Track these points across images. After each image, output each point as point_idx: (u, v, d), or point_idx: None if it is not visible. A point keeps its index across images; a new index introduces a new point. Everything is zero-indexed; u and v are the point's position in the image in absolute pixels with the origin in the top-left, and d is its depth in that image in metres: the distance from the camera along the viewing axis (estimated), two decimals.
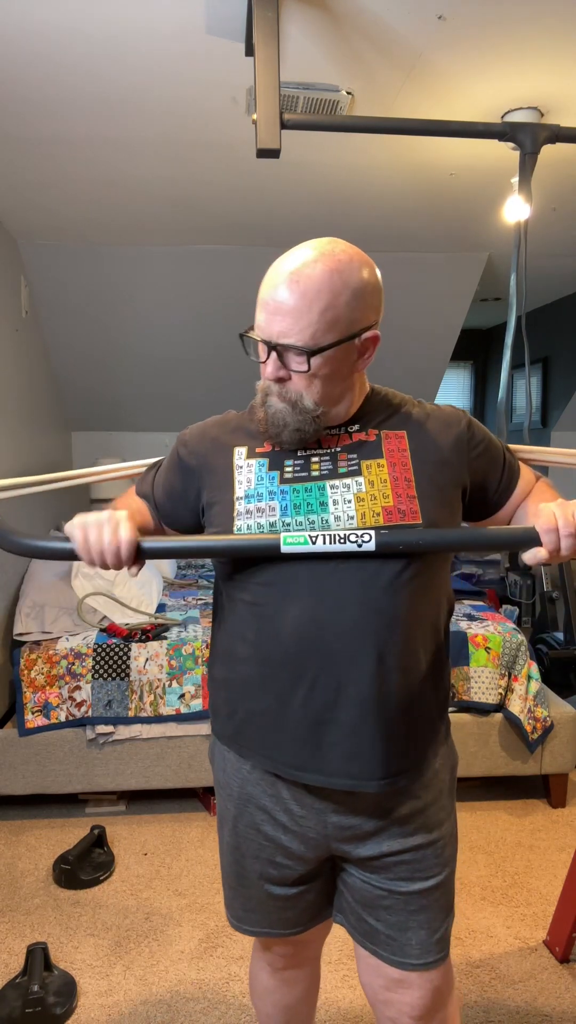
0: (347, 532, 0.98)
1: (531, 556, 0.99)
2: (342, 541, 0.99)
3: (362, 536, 0.99)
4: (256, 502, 1.08)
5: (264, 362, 1.06)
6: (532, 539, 0.99)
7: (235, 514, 1.09)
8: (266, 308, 1.02)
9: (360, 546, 0.99)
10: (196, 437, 1.20)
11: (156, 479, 1.25)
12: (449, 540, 1.02)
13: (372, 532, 0.99)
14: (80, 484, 1.44)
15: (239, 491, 1.10)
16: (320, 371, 1.04)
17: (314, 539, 0.99)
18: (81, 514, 1.05)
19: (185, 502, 1.20)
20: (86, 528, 1.03)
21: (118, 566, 1.03)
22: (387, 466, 1.08)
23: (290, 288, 1.00)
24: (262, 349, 1.06)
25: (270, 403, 1.08)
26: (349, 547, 0.99)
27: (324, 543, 0.99)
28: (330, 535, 0.99)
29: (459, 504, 1.13)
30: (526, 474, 1.22)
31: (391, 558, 1.04)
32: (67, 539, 1.07)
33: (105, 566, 1.03)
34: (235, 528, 1.08)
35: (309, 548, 0.99)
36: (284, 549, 1.00)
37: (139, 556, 1.04)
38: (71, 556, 1.06)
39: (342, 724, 1.06)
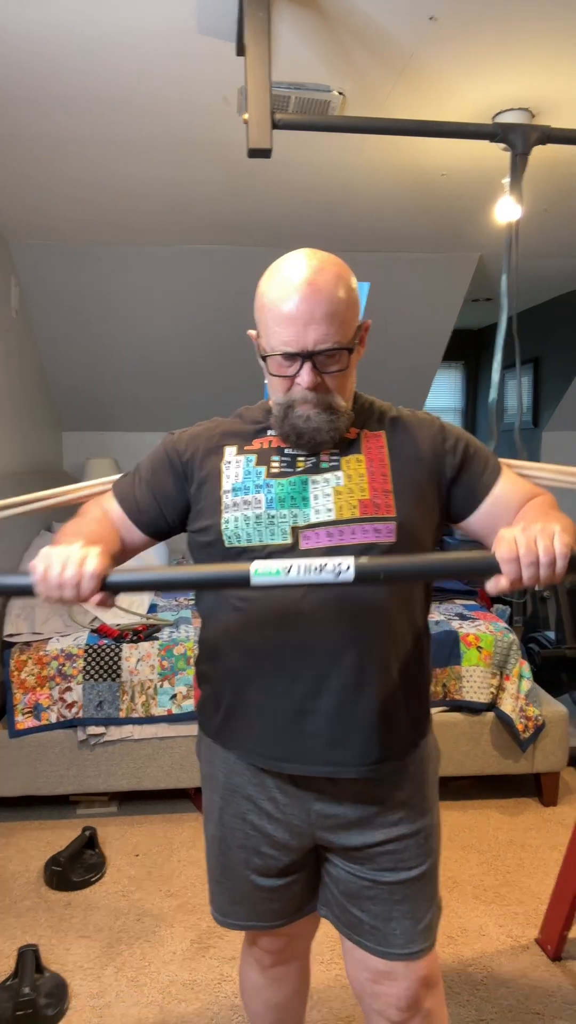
0: (323, 561, 0.93)
1: (492, 585, 0.94)
2: (318, 571, 0.93)
3: (340, 564, 0.93)
4: (243, 495, 1.11)
5: (294, 376, 1.07)
6: (492, 567, 0.93)
7: (222, 507, 1.11)
8: (294, 322, 1.04)
9: (338, 575, 0.93)
10: (186, 438, 1.21)
11: (137, 481, 1.22)
12: (420, 567, 1.00)
13: (351, 561, 0.93)
14: (64, 500, 1.42)
15: (226, 485, 1.13)
16: (351, 366, 1.10)
17: (287, 569, 0.94)
18: (49, 546, 0.99)
19: (172, 500, 1.19)
20: (50, 561, 0.96)
21: (79, 600, 0.97)
22: (365, 461, 1.12)
23: (314, 296, 1.03)
24: (293, 363, 1.07)
25: (299, 414, 1.08)
26: (326, 576, 0.93)
27: (299, 573, 0.94)
28: (304, 565, 0.93)
29: (435, 501, 1.15)
30: (518, 484, 1.19)
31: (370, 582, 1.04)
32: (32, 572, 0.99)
33: (63, 601, 0.97)
34: (222, 520, 1.10)
35: (282, 579, 0.94)
36: (254, 581, 0.94)
37: (104, 589, 0.98)
38: (28, 592, 0.98)
39: (323, 714, 1.08)
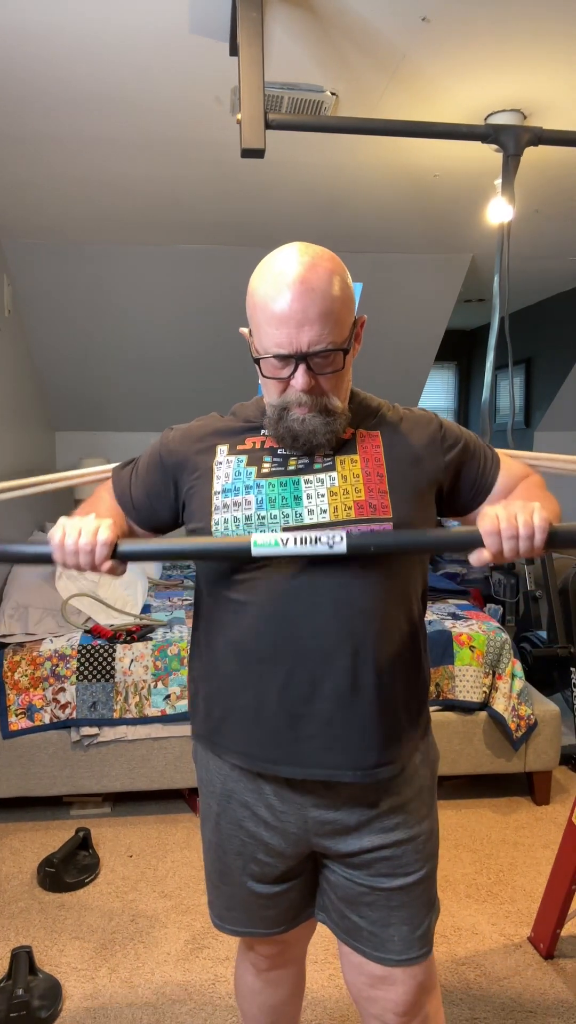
0: (318, 534, 0.99)
1: (475, 558, 1.00)
2: (313, 543, 0.98)
3: (333, 538, 0.98)
4: (233, 496, 1.10)
5: (289, 378, 1.05)
6: (475, 541, 0.99)
7: (212, 508, 1.11)
8: (286, 323, 1.01)
9: (331, 547, 0.99)
10: (179, 437, 1.21)
11: (133, 478, 1.24)
12: (409, 542, 1.05)
13: (343, 533, 0.98)
14: (62, 487, 1.44)
15: (217, 486, 1.12)
16: (346, 366, 1.08)
17: (285, 541, 0.99)
18: (66, 517, 1.07)
19: (164, 499, 1.20)
20: (66, 529, 1.05)
21: (92, 566, 1.05)
22: (360, 462, 1.10)
23: (307, 295, 1.01)
24: (287, 365, 1.05)
25: (294, 417, 1.07)
26: (320, 548, 0.99)
27: (295, 544, 0.99)
28: (301, 536, 0.98)
29: (432, 500, 1.14)
30: (513, 469, 1.21)
31: (362, 557, 1.06)
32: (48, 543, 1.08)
33: (79, 567, 1.05)
34: (212, 522, 1.10)
35: (280, 550, 0.99)
36: (255, 552, 1.00)
37: (115, 556, 1.05)
38: (47, 560, 1.07)
39: (318, 717, 1.08)
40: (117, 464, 1.31)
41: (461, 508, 1.20)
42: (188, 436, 1.20)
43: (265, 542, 0.99)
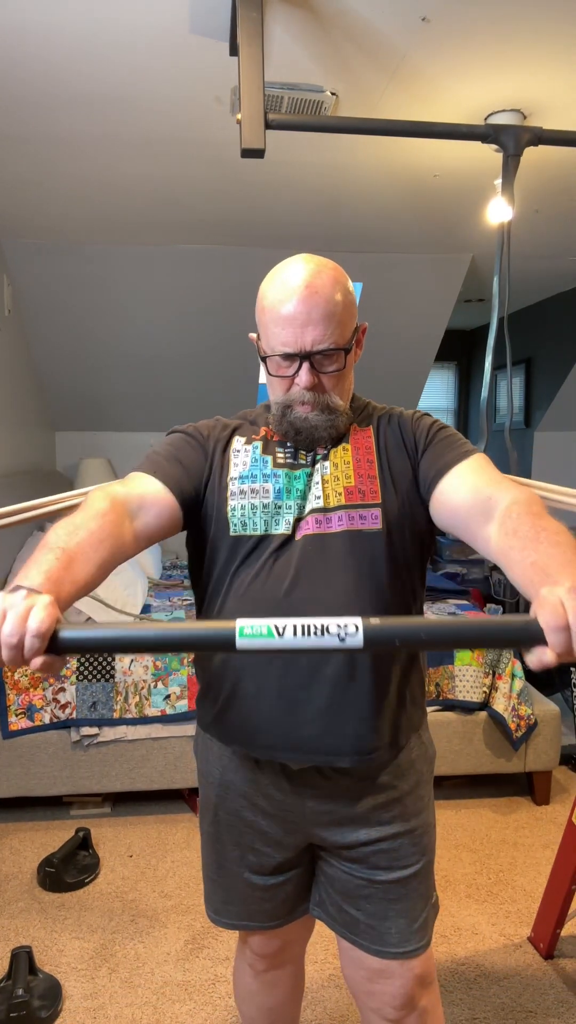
0: (326, 622, 0.77)
1: (535, 660, 0.75)
2: (320, 633, 0.76)
3: (345, 628, 0.76)
4: (250, 483, 1.13)
5: (293, 376, 1.10)
6: (534, 637, 0.74)
7: (228, 494, 1.13)
8: (292, 323, 1.07)
9: (343, 640, 0.76)
10: (199, 424, 1.23)
11: (159, 456, 1.15)
12: (447, 635, 0.83)
13: (358, 622, 0.76)
14: (63, 507, 1.42)
15: (234, 472, 1.15)
16: (348, 366, 1.13)
17: (281, 630, 0.76)
18: None
19: (197, 471, 1.15)
20: None
21: (16, 662, 0.77)
22: (351, 450, 1.15)
23: (312, 298, 1.06)
24: (291, 364, 1.09)
25: (297, 414, 1.11)
26: (329, 641, 0.76)
27: (295, 635, 0.76)
28: (303, 625, 0.76)
29: (417, 487, 1.14)
30: (496, 473, 1.09)
31: (360, 554, 1.05)
32: None
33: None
34: (228, 508, 1.12)
35: (274, 642, 0.76)
36: (240, 644, 0.76)
37: (52, 650, 0.77)
38: None
39: (316, 703, 1.09)
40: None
41: (423, 491, 1.12)
42: (206, 425, 1.23)
43: (255, 632, 0.76)
